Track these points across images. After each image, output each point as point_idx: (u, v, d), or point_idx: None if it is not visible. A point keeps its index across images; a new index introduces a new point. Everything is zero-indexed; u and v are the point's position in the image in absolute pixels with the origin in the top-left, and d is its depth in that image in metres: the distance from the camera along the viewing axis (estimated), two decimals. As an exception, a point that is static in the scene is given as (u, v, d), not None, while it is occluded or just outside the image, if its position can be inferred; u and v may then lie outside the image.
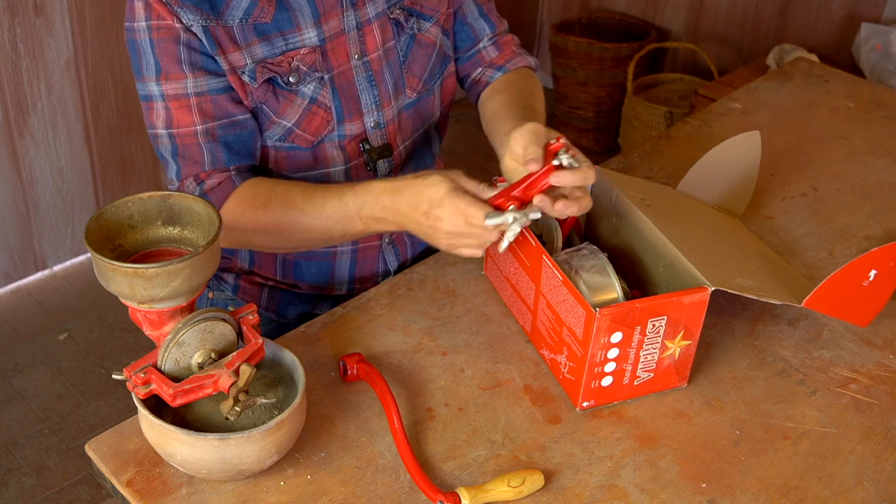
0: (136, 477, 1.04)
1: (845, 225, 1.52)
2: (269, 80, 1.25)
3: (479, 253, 1.15)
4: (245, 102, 1.25)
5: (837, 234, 1.50)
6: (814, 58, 2.76)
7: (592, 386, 1.13)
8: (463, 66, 1.48)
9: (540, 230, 1.29)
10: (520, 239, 1.21)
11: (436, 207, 1.12)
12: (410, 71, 1.36)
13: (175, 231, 1.03)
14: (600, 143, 3.50)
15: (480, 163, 3.30)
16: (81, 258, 2.82)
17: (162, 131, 1.24)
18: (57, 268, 2.79)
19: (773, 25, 3.17)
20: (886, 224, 1.52)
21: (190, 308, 1.01)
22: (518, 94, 1.39)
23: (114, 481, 1.04)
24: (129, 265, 0.94)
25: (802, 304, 1.18)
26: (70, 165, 2.67)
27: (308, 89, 1.27)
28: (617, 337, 1.09)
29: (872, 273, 1.19)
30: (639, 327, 1.09)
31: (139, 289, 0.95)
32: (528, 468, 1.06)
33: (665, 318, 1.10)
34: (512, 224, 1.09)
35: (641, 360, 1.12)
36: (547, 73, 3.65)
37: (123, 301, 0.99)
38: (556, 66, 3.42)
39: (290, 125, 1.28)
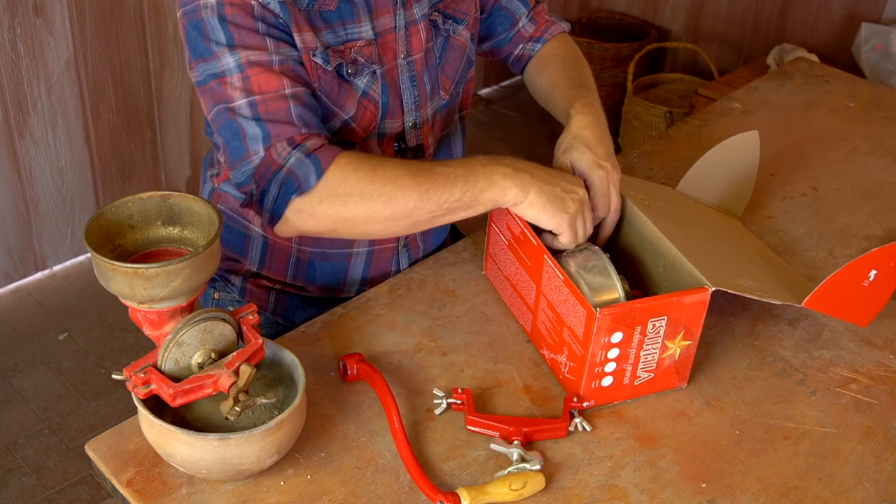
0: (136, 477, 1.04)
1: (845, 225, 1.52)
2: (337, 67, 1.24)
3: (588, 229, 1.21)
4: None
5: (837, 234, 1.50)
6: (814, 58, 2.76)
7: (593, 386, 1.12)
8: (505, 48, 1.52)
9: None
10: (521, 239, 1.21)
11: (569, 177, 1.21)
12: (445, 73, 1.38)
13: (175, 231, 1.03)
14: (600, 143, 3.50)
15: (480, 163, 3.30)
16: (81, 258, 2.82)
17: (241, 101, 1.15)
18: (57, 268, 2.79)
19: (773, 25, 3.17)
20: (886, 224, 1.52)
21: (190, 308, 1.01)
22: (566, 69, 1.46)
23: (114, 481, 1.04)
24: (129, 265, 0.94)
25: (803, 304, 1.18)
26: (70, 165, 2.66)
27: (361, 82, 1.27)
28: (617, 337, 1.09)
29: (872, 273, 1.19)
30: (639, 327, 1.09)
31: (139, 289, 0.95)
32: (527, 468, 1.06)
33: (665, 318, 1.10)
34: (515, 460, 1.07)
35: (642, 360, 1.12)
36: (547, 73, 3.65)
37: (123, 301, 0.99)
38: (556, 66, 3.42)
39: (346, 117, 1.28)
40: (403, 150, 1.35)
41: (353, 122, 1.28)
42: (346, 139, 1.29)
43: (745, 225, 1.48)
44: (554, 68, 1.46)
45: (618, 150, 3.36)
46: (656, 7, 3.46)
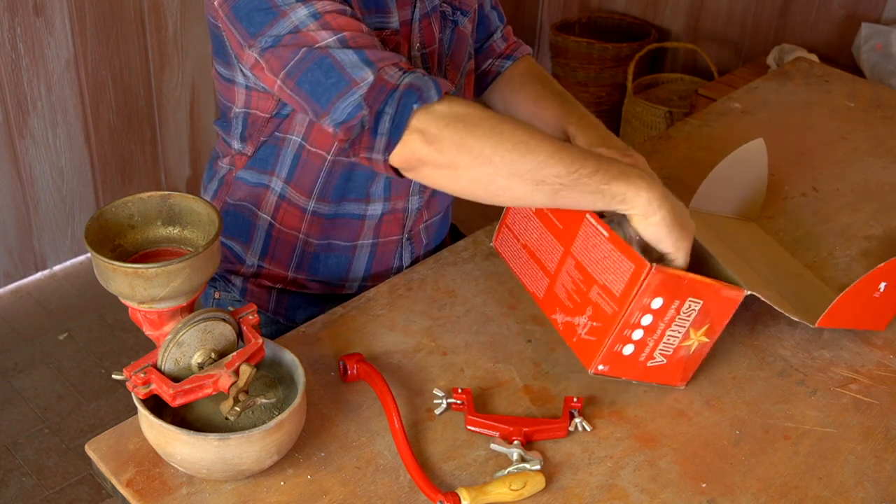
0: (136, 477, 1.04)
1: (845, 225, 1.52)
2: None
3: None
4: None
5: (837, 234, 1.50)
6: (814, 58, 2.76)
7: (615, 349, 1.11)
8: (476, 59, 1.52)
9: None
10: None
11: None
12: (452, 63, 1.38)
13: (175, 231, 1.03)
14: (600, 143, 3.50)
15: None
16: (81, 258, 2.82)
17: (329, 39, 1.07)
18: (57, 268, 2.79)
19: (773, 25, 3.17)
20: (886, 224, 1.52)
21: (190, 308, 1.01)
22: (546, 86, 1.46)
23: (114, 481, 1.04)
24: (129, 265, 0.94)
25: (815, 325, 1.19)
26: (70, 165, 2.67)
27: None
28: (657, 303, 1.08)
29: (882, 285, 1.21)
30: (677, 302, 1.09)
31: (139, 289, 0.95)
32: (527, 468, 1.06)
33: (702, 302, 1.10)
34: (515, 460, 1.07)
35: (665, 339, 1.12)
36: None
37: (123, 301, 0.99)
38: (556, 66, 3.42)
39: None
40: None
41: None
42: None
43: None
44: (534, 85, 1.46)
45: (618, 150, 3.36)
46: (656, 7, 3.46)
